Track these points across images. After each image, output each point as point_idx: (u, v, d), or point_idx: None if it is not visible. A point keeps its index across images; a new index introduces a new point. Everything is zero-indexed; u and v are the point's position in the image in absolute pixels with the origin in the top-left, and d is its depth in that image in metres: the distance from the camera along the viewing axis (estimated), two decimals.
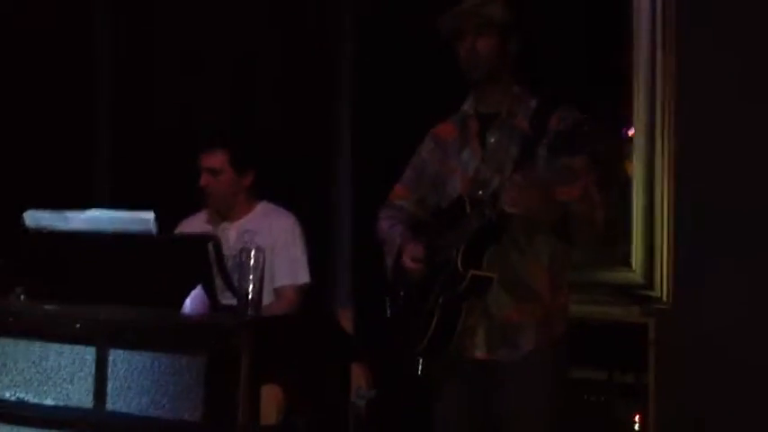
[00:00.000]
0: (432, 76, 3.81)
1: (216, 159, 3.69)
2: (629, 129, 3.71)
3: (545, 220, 2.75)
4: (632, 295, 3.73)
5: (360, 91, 4.26)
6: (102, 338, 2.63)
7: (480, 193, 2.78)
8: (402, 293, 2.96)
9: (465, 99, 2.98)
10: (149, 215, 2.70)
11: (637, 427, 3.53)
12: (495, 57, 2.86)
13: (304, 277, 3.69)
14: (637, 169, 3.78)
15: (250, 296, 2.66)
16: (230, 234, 3.65)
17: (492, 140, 2.87)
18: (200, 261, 2.68)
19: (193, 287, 2.66)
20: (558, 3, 3.82)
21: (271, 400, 2.93)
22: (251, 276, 2.66)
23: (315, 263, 3.74)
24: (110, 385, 2.61)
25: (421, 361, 2.82)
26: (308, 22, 4.39)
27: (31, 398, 2.70)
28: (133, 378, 2.59)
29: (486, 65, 2.86)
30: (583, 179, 2.76)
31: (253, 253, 2.68)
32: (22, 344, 2.73)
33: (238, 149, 3.73)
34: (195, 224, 3.75)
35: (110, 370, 2.61)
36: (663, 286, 3.70)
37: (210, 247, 2.69)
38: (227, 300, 2.78)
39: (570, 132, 2.56)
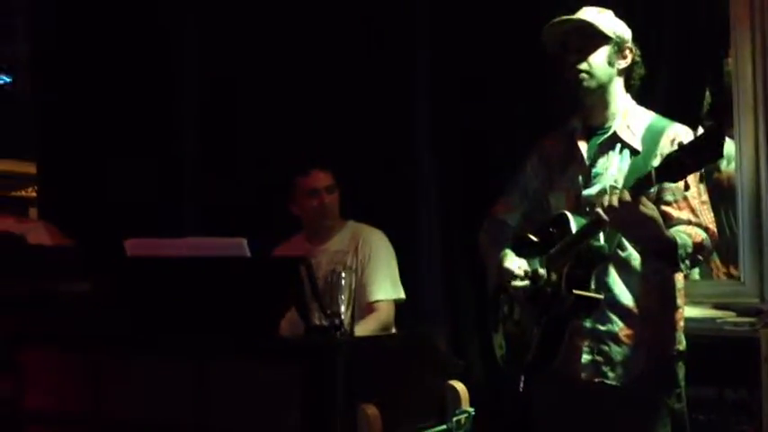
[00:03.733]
0: (530, 86, 3.78)
1: (327, 177, 3.76)
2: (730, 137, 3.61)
3: (645, 242, 2.65)
4: (743, 310, 3.61)
5: (444, 103, 4.23)
6: (202, 360, 2.69)
7: (587, 209, 2.72)
8: (505, 309, 2.93)
9: (570, 112, 2.92)
10: (242, 241, 2.75)
11: None
12: (605, 71, 2.79)
13: (399, 292, 3.72)
14: (742, 181, 3.67)
15: (342, 316, 2.67)
16: (323, 255, 3.69)
17: (599, 157, 2.81)
18: (293, 283, 2.71)
19: (288, 309, 2.70)
20: (653, 12, 3.76)
21: (369, 419, 2.94)
22: (342, 297, 2.68)
23: (406, 279, 3.75)
24: (210, 406, 2.67)
25: (523, 378, 2.78)
26: (387, 31, 4.37)
27: (136, 416, 2.79)
28: (231, 399, 2.63)
29: (596, 80, 2.78)
30: (693, 199, 2.69)
31: (343, 274, 2.70)
32: (127, 366, 2.82)
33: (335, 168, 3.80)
34: (292, 248, 3.82)
35: (209, 390, 2.67)
36: None
37: (303, 268, 2.72)
38: (321, 321, 2.80)
39: (677, 156, 2.43)
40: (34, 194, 5.79)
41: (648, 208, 2.54)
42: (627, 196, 2.50)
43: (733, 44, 3.70)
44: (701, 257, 2.72)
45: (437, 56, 4.22)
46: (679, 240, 2.62)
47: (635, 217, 2.53)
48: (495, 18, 4.01)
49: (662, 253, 2.65)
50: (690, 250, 2.64)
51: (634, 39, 2.86)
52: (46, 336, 2.99)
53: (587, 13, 2.82)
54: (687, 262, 2.65)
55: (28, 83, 5.40)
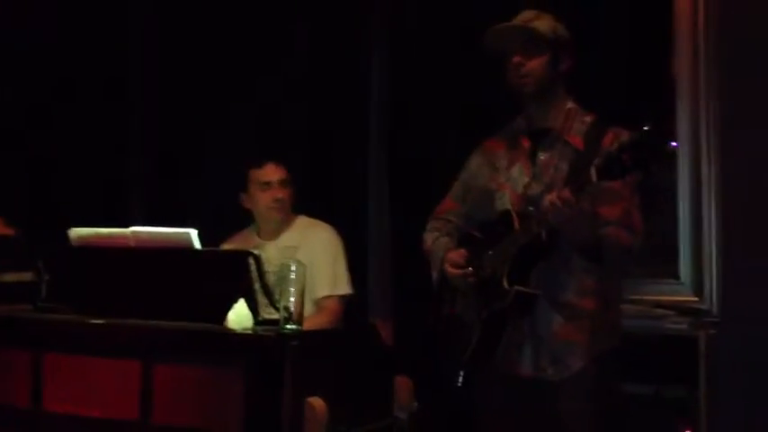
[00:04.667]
0: (475, 87, 3.81)
1: (280, 171, 3.76)
2: (673, 141, 3.67)
3: (577, 240, 2.70)
4: (681, 308, 3.68)
5: (397, 100, 4.24)
6: (147, 352, 2.67)
7: (530, 209, 2.76)
8: (446, 305, 2.95)
9: (513, 112, 2.94)
10: (192, 231, 2.74)
11: None
12: (546, 74, 2.81)
13: (346, 288, 3.72)
14: (682, 181, 3.73)
15: (291, 310, 2.68)
16: (272, 250, 3.68)
17: (543, 157, 2.84)
18: (242, 276, 2.71)
19: (235, 302, 2.70)
20: (598, 15, 3.81)
21: (316, 412, 2.95)
22: (292, 290, 2.69)
23: (354, 275, 3.76)
24: (155, 398, 2.65)
25: (462, 373, 2.81)
26: (341, 29, 4.38)
27: (78, 411, 2.75)
28: (177, 391, 2.62)
29: (536, 83, 2.81)
30: (626, 201, 2.74)
31: (293, 268, 2.70)
32: (70, 358, 2.78)
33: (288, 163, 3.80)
34: (241, 241, 3.80)
35: (154, 383, 2.65)
36: (712, 299, 3.63)
37: (252, 261, 2.72)
38: (269, 314, 2.81)
39: (618, 155, 2.48)
40: None
41: (586, 207, 2.60)
42: (567, 194, 2.55)
43: (677, 43, 3.75)
44: (626, 259, 2.78)
45: (392, 52, 4.23)
46: (606, 241, 2.68)
47: (574, 215, 2.58)
48: (447, 16, 4.03)
49: (589, 252, 2.71)
50: (616, 252, 2.71)
51: (574, 40, 2.89)
52: None
53: (527, 18, 2.84)
54: (613, 263, 2.73)
55: None
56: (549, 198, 2.59)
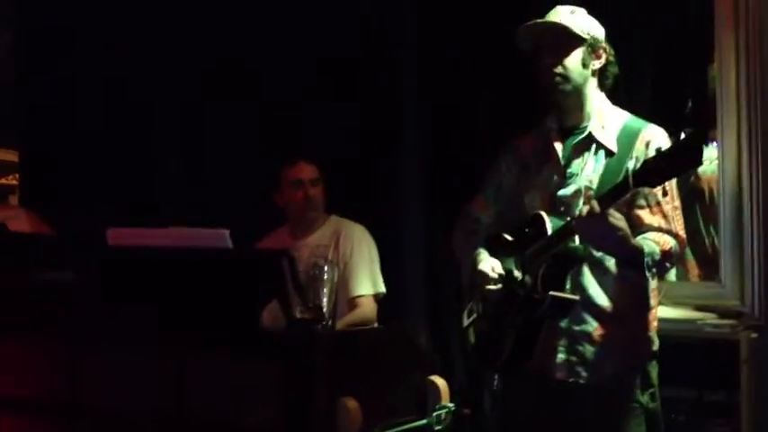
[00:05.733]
0: (510, 84, 3.78)
1: (312, 170, 3.78)
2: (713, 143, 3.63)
3: (611, 251, 2.67)
4: (723, 312, 3.62)
5: (431, 96, 4.23)
6: (182, 350, 2.68)
7: (562, 209, 2.72)
8: (479, 307, 2.93)
9: (544, 111, 2.91)
10: (224, 232, 2.75)
11: None
12: (579, 73, 2.78)
13: (381, 287, 3.73)
14: (724, 183, 3.68)
15: (323, 309, 2.67)
16: (305, 249, 3.69)
17: (574, 158, 2.81)
18: (275, 275, 2.71)
19: (269, 301, 2.69)
20: (638, 15, 3.76)
21: (349, 412, 2.93)
22: (324, 290, 2.69)
23: (388, 275, 3.77)
24: (189, 395, 2.66)
25: (497, 377, 2.79)
26: (372, 26, 4.36)
27: (114, 406, 2.77)
28: (211, 388, 2.63)
29: (568, 82, 2.77)
30: (666, 205, 2.69)
31: (325, 267, 2.70)
32: (106, 354, 2.81)
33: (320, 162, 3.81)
34: (276, 241, 3.81)
35: (187, 382, 2.66)
36: (754, 302, 3.59)
37: (284, 261, 2.71)
38: (303, 314, 2.80)
39: (656, 162, 2.42)
40: (15, 182, 5.76)
41: (616, 218, 2.55)
42: (596, 208, 2.51)
43: (717, 46, 3.70)
44: (668, 265, 2.73)
45: (425, 54, 4.21)
46: (646, 249, 2.62)
47: (602, 229, 2.54)
48: (477, 15, 4.01)
49: (628, 261, 2.66)
50: (657, 258, 2.64)
51: (607, 37, 2.85)
52: (25, 325, 2.97)
53: (560, 15, 2.80)
54: (654, 270, 2.66)
55: (10, 70, 5.37)
56: (580, 211, 2.57)
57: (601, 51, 2.82)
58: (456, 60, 4.10)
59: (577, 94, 2.81)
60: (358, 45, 4.35)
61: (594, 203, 2.53)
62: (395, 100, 4.28)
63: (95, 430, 2.82)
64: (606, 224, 2.53)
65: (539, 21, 2.81)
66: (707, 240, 3.85)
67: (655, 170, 2.42)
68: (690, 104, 3.82)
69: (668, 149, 2.42)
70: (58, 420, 2.89)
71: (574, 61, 2.78)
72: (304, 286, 2.71)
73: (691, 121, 3.70)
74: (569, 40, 2.77)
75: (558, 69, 2.77)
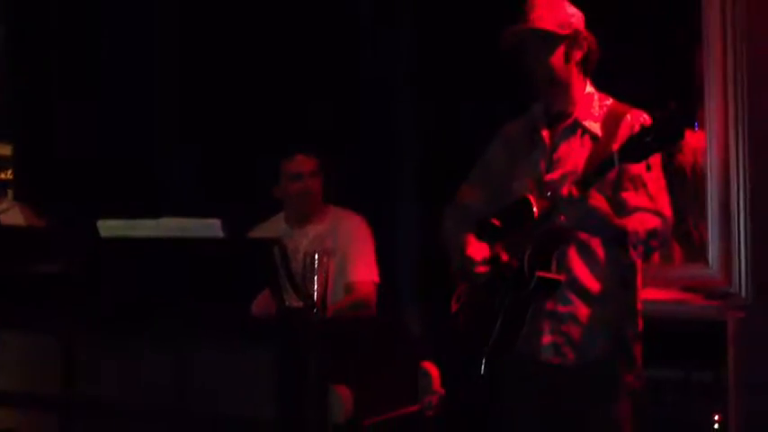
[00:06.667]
0: (499, 73, 3.80)
1: (311, 162, 3.82)
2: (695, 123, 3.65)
3: (595, 232, 2.70)
4: (710, 292, 3.66)
5: (423, 87, 4.26)
6: (173, 340, 2.71)
7: (549, 194, 2.76)
8: (467, 293, 2.96)
9: (535, 99, 2.95)
10: (215, 221, 2.77)
11: (716, 426, 3.45)
12: (560, 67, 2.81)
13: (375, 275, 3.77)
14: (711, 164, 3.70)
15: (315, 298, 2.70)
16: (303, 239, 3.74)
17: (561, 143, 2.84)
18: (267, 264, 2.74)
19: (261, 290, 2.73)
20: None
21: (341, 399, 2.97)
22: (316, 278, 2.71)
23: (382, 262, 3.80)
24: (181, 385, 2.69)
25: (484, 361, 2.82)
26: (364, 20, 4.41)
27: (112, 398, 2.81)
28: (202, 378, 2.66)
29: (551, 76, 2.81)
30: (652, 185, 2.73)
31: (317, 256, 2.73)
32: (103, 347, 2.84)
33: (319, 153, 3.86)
34: (270, 228, 3.86)
35: (180, 370, 2.69)
36: (741, 283, 3.61)
37: (276, 250, 2.74)
38: (294, 302, 2.83)
39: (641, 137, 2.46)
40: (10, 177, 5.75)
41: (596, 200, 2.59)
42: (574, 191, 2.55)
43: (704, 26, 3.72)
44: (655, 243, 2.73)
45: (422, 45, 4.24)
46: (629, 228, 2.65)
47: (583, 210, 2.58)
48: (476, 13, 4.04)
49: (613, 241, 2.69)
50: (642, 237, 2.67)
51: (589, 22, 2.87)
52: (19, 317, 3.00)
53: (537, 15, 2.81)
54: (640, 249, 2.68)
55: (3, 64, 5.37)
56: (562, 195, 2.60)
57: (582, 40, 2.85)
58: (455, 52, 4.13)
59: (561, 83, 2.84)
60: (356, 41, 4.39)
61: (573, 188, 2.57)
62: (390, 91, 4.32)
63: (91, 422, 2.85)
64: (586, 206, 2.57)
65: (516, 26, 2.84)
66: (691, 221, 3.86)
67: (639, 145, 2.46)
68: (674, 86, 3.82)
69: (651, 124, 2.46)
70: (54, 413, 2.92)
71: (557, 60, 2.81)
72: (296, 275, 2.73)
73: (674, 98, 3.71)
74: (550, 39, 2.80)
75: (543, 69, 2.81)
